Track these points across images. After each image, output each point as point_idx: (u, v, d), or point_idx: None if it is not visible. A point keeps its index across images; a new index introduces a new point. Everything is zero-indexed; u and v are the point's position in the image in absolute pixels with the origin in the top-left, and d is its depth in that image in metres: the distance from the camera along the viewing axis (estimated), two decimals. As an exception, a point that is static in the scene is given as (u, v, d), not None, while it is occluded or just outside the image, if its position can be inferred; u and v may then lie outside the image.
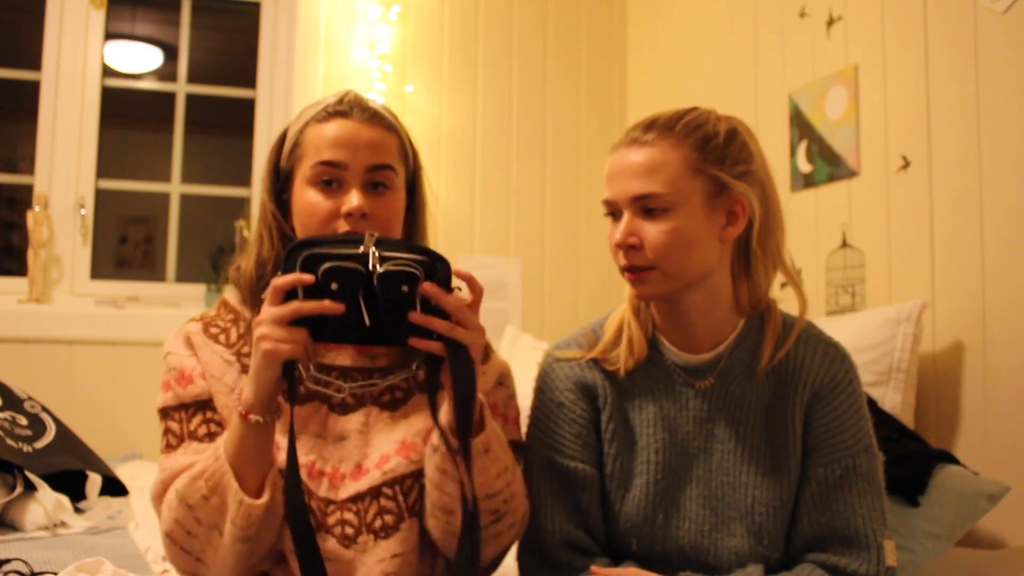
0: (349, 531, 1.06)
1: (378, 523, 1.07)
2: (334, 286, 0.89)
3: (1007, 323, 1.73)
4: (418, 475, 1.08)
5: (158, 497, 1.07)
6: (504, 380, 1.21)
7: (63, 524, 1.73)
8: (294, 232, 1.15)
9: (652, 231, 1.09)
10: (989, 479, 1.54)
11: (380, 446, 1.09)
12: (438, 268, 0.94)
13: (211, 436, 1.09)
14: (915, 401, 1.83)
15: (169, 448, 1.10)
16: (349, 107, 1.13)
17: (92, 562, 1.25)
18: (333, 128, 1.11)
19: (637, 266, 1.11)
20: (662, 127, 1.12)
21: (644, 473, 1.15)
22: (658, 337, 1.20)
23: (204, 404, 1.10)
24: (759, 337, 1.17)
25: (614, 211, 1.14)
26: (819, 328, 1.21)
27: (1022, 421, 1.68)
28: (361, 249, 0.92)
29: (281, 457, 1.04)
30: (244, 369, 1.11)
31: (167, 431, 1.11)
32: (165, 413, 1.12)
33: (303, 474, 1.07)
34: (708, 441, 1.15)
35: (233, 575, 1.03)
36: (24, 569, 1.30)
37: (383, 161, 1.11)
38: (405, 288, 0.90)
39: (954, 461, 1.58)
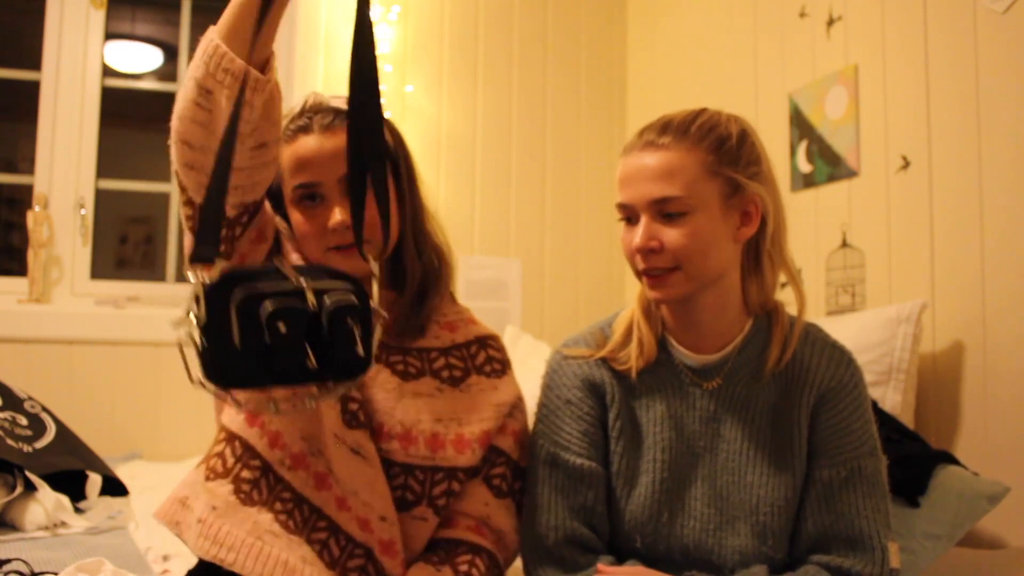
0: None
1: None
2: (282, 328, 0.81)
3: (1007, 323, 1.73)
4: (408, 468, 1.13)
5: None
6: (523, 408, 1.25)
7: (63, 524, 1.73)
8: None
9: (672, 234, 1.09)
10: (989, 479, 1.54)
11: (381, 411, 1.12)
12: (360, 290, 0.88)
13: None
14: (915, 401, 1.83)
15: None
16: (308, 119, 1.13)
17: (92, 562, 1.25)
18: (298, 148, 1.12)
19: (658, 268, 1.11)
20: (676, 130, 1.12)
21: (650, 471, 1.15)
22: (667, 337, 1.20)
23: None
24: (766, 338, 1.17)
25: (629, 215, 1.14)
26: (825, 331, 1.21)
27: (1022, 421, 1.68)
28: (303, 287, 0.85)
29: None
30: None
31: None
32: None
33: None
34: (714, 441, 1.15)
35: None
36: (24, 569, 1.30)
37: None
38: (349, 321, 0.85)
39: (954, 461, 1.58)
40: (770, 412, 1.15)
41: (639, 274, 1.14)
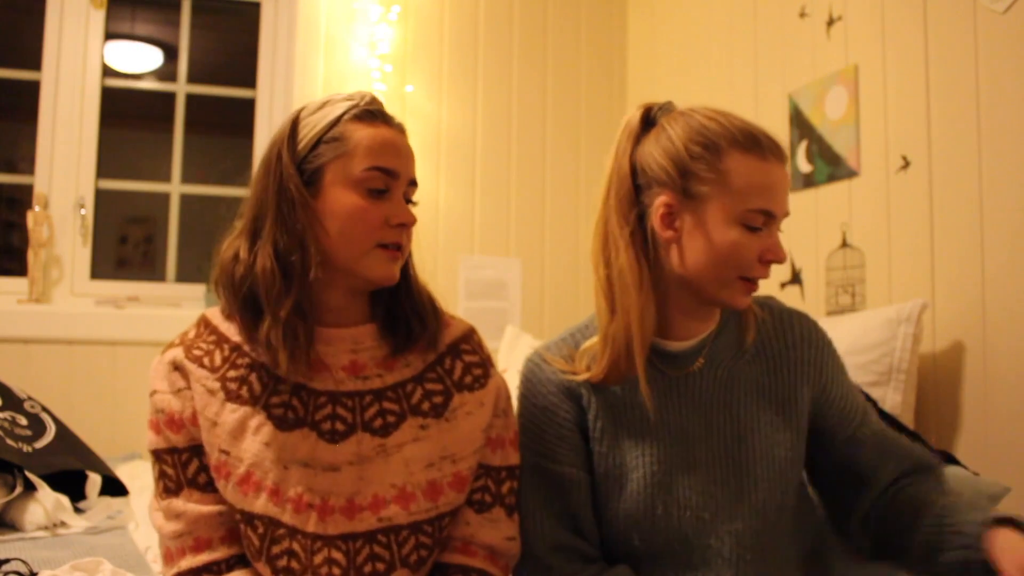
0: (336, 572, 1.03)
1: (368, 568, 1.04)
2: None
3: (1007, 323, 1.73)
4: (415, 527, 1.07)
5: (169, 557, 1.05)
6: (506, 408, 1.18)
7: (63, 524, 1.73)
8: (324, 232, 1.04)
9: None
10: (989, 479, 1.54)
11: (374, 483, 1.06)
12: None
13: (211, 485, 1.05)
14: (915, 401, 1.83)
15: (168, 493, 1.06)
16: (385, 116, 1.10)
17: (90, 562, 1.25)
18: (384, 134, 1.07)
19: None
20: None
21: (640, 467, 1.15)
22: None
23: (199, 449, 1.06)
24: (741, 318, 1.20)
25: (763, 224, 1.11)
26: (780, 301, 1.26)
27: (1022, 421, 1.68)
28: None
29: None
30: (228, 396, 1.05)
31: (162, 475, 1.07)
32: (158, 456, 1.08)
33: (290, 508, 1.03)
34: (702, 426, 1.16)
35: None
36: (24, 569, 1.30)
37: (415, 176, 1.12)
38: None
39: (954, 461, 1.58)
40: (755, 392, 1.16)
41: (744, 280, 1.12)
